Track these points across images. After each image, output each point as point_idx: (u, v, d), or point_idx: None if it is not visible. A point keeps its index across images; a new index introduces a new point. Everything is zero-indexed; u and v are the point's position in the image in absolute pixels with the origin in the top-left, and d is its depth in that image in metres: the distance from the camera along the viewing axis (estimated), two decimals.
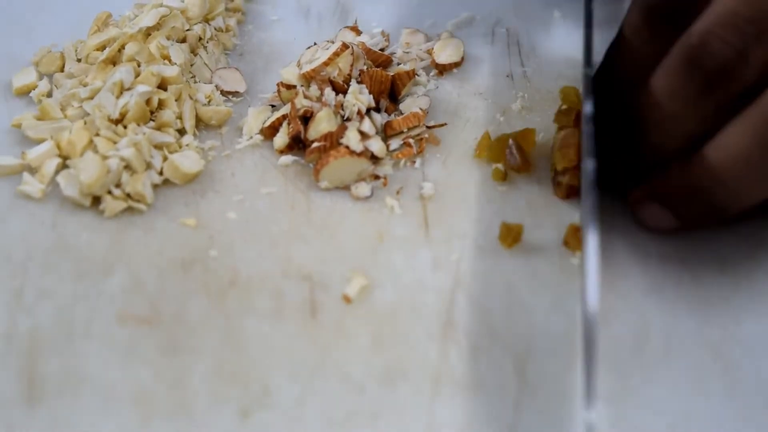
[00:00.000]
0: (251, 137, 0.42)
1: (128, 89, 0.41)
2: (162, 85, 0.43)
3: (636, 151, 0.37)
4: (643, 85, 0.36)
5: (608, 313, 0.35)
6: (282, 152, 0.42)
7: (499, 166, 0.41)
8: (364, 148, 0.40)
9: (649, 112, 0.35)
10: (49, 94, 0.44)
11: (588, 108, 0.36)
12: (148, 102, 0.41)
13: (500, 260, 0.37)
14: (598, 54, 0.40)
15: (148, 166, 0.40)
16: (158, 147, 0.41)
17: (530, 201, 0.39)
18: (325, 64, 0.42)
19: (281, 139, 0.42)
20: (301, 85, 0.43)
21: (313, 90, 0.42)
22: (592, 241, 0.33)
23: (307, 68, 0.43)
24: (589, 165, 0.34)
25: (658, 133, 0.36)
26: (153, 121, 0.42)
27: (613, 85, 0.38)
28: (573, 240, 0.37)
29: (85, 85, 0.43)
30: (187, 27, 0.46)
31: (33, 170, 0.40)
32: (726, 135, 0.33)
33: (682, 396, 0.33)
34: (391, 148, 0.42)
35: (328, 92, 0.41)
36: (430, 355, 0.34)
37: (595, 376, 0.31)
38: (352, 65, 0.43)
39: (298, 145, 0.41)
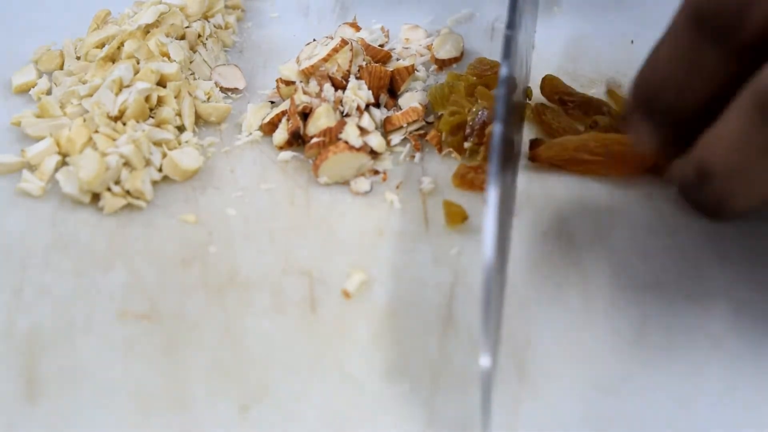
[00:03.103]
0: (250, 133, 0.42)
1: (127, 86, 0.41)
2: (161, 82, 0.43)
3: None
4: (703, 124, 0.33)
5: (609, 305, 0.35)
6: (281, 148, 0.42)
7: None
8: (364, 143, 0.40)
9: (719, 161, 0.33)
10: (49, 92, 0.44)
11: (504, 70, 0.34)
12: (147, 99, 0.41)
13: (500, 254, 0.37)
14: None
15: (148, 162, 0.40)
16: (157, 144, 0.41)
17: (530, 194, 0.39)
18: (324, 60, 0.42)
19: (280, 135, 0.42)
20: (300, 81, 0.43)
21: (313, 86, 0.42)
22: (491, 208, 0.31)
23: (306, 64, 0.43)
24: (497, 128, 0.33)
25: (736, 184, 0.33)
26: (152, 118, 0.42)
27: (658, 88, 0.35)
28: (457, 180, 0.39)
29: (84, 83, 0.43)
30: (186, 24, 0.46)
31: (32, 168, 0.40)
32: None
33: (683, 387, 0.33)
34: (392, 143, 0.42)
35: (327, 88, 0.41)
36: (429, 350, 0.34)
37: (491, 322, 0.30)
38: (351, 61, 0.43)
39: (297, 140, 0.41)
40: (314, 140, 0.40)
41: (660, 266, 0.36)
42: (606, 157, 0.39)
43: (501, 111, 0.33)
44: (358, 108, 0.41)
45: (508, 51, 0.35)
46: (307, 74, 0.43)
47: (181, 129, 0.42)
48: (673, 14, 0.33)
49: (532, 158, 0.40)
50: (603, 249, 0.37)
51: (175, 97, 0.42)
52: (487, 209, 0.31)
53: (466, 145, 0.40)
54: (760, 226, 0.38)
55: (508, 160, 0.36)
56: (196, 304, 0.35)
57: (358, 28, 0.47)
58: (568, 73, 0.45)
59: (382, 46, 0.46)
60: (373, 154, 0.41)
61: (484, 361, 0.30)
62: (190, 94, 0.43)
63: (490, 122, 0.40)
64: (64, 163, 0.40)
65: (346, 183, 0.40)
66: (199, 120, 0.43)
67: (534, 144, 0.41)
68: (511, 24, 0.36)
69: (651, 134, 0.35)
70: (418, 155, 0.41)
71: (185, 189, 0.40)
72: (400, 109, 0.43)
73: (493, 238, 0.30)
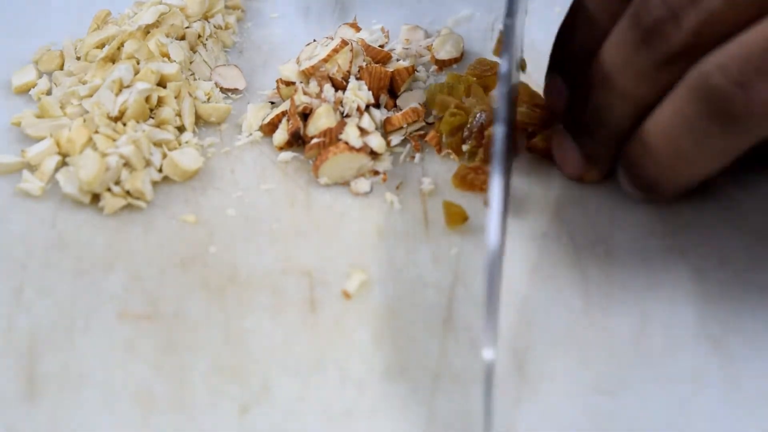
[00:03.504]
0: (251, 134, 0.42)
1: (127, 87, 0.41)
2: (161, 83, 0.43)
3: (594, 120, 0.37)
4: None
5: (608, 306, 0.35)
6: (281, 149, 0.42)
7: None
8: (364, 144, 0.40)
9: (600, 73, 0.35)
10: (49, 92, 0.44)
11: (504, 66, 0.34)
12: (147, 99, 0.41)
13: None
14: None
15: (148, 163, 0.40)
16: (157, 144, 0.41)
17: (530, 194, 0.39)
18: (324, 60, 0.42)
19: (281, 135, 0.42)
20: (301, 82, 0.43)
21: (313, 86, 0.42)
22: (494, 213, 0.31)
23: (306, 65, 0.43)
24: (499, 130, 0.32)
25: (607, 95, 0.35)
26: (152, 118, 0.42)
27: (571, 56, 0.38)
28: (457, 180, 0.39)
29: (84, 83, 0.43)
30: (186, 24, 0.46)
31: (32, 168, 0.40)
32: (659, 112, 0.34)
33: (682, 389, 0.33)
34: (392, 143, 0.42)
35: (328, 89, 0.41)
36: (429, 350, 0.34)
37: (496, 313, 0.30)
38: (351, 62, 0.43)
39: (297, 141, 0.41)
40: (314, 141, 0.40)
41: (660, 267, 0.36)
42: None
43: (503, 111, 0.33)
44: (359, 108, 0.41)
45: (508, 44, 0.35)
46: (308, 75, 0.43)
47: (181, 129, 0.42)
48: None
49: (530, 149, 0.41)
50: (603, 250, 0.37)
51: (176, 98, 0.42)
52: (490, 199, 0.30)
53: (465, 147, 0.40)
54: (759, 226, 0.38)
55: (507, 158, 0.36)
56: (197, 304, 0.35)
57: (358, 29, 0.47)
58: None
59: (382, 46, 0.46)
60: (373, 154, 0.41)
61: (487, 354, 0.30)
62: (190, 95, 0.43)
63: (488, 125, 0.40)
64: (64, 164, 0.40)
65: (346, 183, 0.40)
66: (199, 120, 0.43)
67: (530, 134, 0.41)
68: (511, 12, 0.36)
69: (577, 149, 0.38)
70: (418, 156, 0.41)
71: (185, 189, 0.40)
72: (400, 109, 0.43)
73: (497, 227, 0.30)
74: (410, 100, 0.43)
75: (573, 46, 0.38)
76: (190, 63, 0.45)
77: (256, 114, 0.43)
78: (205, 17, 0.48)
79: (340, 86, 0.42)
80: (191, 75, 0.45)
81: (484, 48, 0.47)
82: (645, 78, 0.34)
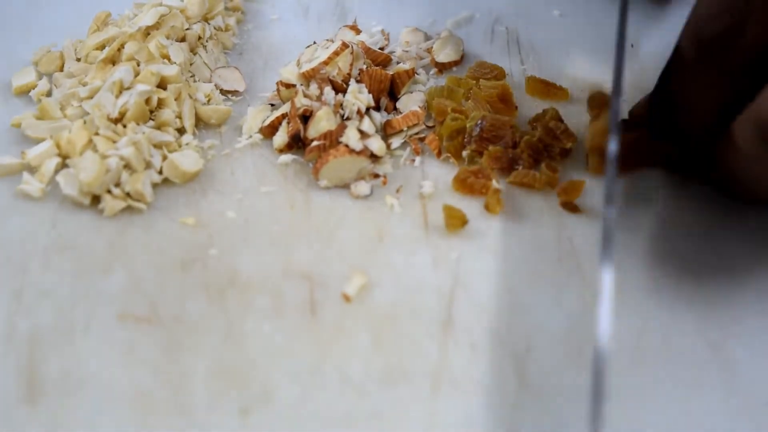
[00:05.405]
0: (251, 136, 0.42)
1: (128, 88, 0.41)
2: (161, 85, 0.43)
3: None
4: (722, 134, 0.36)
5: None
6: (281, 151, 0.42)
7: None
8: (364, 146, 0.40)
9: (734, 163, 0.36)
10: (49, 94, 0.44)
11: (613, 146, 0.35)
12: (147, 101, 0.41)
13: (500, 258, 0.37)
14: None
15: (148, 165, 0.40)
16: (158, 146, 0.41)
17: (530, 199, 0.39)
18: (325, 63, 0.42)
19: (281, 138, 0.42)
20: (301, 84, 0.43)
21: (313, 89, 0.42)
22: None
23: (306, 67, 0.43)
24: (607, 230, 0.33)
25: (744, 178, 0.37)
26: (152, 120, 0.42)
27: (670, 109, 0.38)
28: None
29: (84, 85, 0.43)
30: (186, 26, 0.46)
31: (33, 169, 0.40)
32: None
33: (682, 394, 0.33)
34: (393, 146, 0.42)
35: (328, 91, 0.41)
36: (429, 354, 0.34)
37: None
38: (351, 64, 0.43)
39: (297, 144, 0.41)
40: (314, 143, 0.40)
41: (660, 272, 0.36)
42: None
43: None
44: (359, 111, 0.41)
45: (616, 122, 0.35)
46: (308, 77, 0.43)
47: (181, 131, 0.42)
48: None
49: None
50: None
51: (176, 100, 0.42)
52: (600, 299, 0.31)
53: (465, 153, 0.41)
54: (758, 231, 0.38)
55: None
56: (197, 307, 0.35)
57: (358, 31, 0.47)
58: (567, 77, 0.45)
59: (382, 49, 0.46)
60: (374, 157, 0.41)
61: None
62: (190, 97, 0.43)
63: (487, 133, 0.40)
64: (64, 165, 0.40)
65: (346, 186, 0.40)
66: (199, 122, 0.43)
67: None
68: (618, 91, 0.36)
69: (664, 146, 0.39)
70: (418, 159, 0.41)
71: (185, 191, 0.40)
72: (400, 112, 0.43)
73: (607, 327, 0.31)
74: (410, 103, 0.43)
75: (685, 116, 0.38)
76: (190, 65, 0.45)
77: (256, 116, 0.43)
78: (205, 19, 0.48)
79: (340, 89, 0.42)
80: (191, 77, 0.45)
81: (484, 50, 0.47)
82: None
